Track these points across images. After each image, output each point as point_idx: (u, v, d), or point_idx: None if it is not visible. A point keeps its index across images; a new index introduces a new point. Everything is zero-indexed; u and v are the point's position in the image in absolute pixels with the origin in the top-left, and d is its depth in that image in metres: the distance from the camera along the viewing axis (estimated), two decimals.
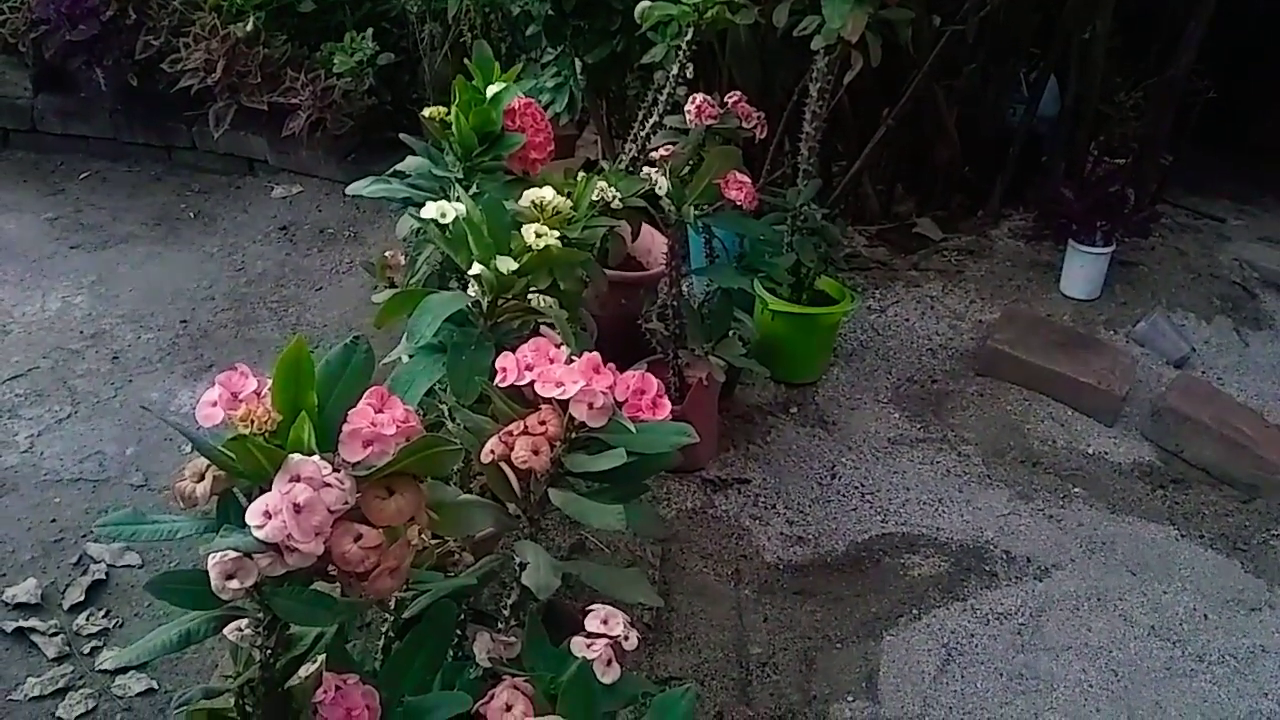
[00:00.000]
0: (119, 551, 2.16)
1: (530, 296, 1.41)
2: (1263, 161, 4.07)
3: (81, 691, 1.88)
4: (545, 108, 2.61)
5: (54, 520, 2.24)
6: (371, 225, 3.50)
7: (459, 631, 1.42)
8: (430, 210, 1.41)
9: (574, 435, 1.17)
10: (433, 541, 1.26)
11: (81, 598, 2.05)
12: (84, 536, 2.19)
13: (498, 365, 1.20)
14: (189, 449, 2.43)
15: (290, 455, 0.91)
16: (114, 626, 2.01)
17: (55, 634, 1.98)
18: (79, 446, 2.45)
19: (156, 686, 1.89)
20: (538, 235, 1.36)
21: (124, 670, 1.91)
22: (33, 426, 2.50)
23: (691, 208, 2.13)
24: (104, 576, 2.11)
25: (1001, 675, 2.07)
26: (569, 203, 1.50)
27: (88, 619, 2.02)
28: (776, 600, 2.20)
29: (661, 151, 2.22)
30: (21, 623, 1.99)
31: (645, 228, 2.37)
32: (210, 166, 3.79)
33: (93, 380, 2.68)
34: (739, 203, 2.12)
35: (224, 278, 3.18)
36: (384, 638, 1.34)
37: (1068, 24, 3.40)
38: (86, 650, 1.96)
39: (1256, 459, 2.61)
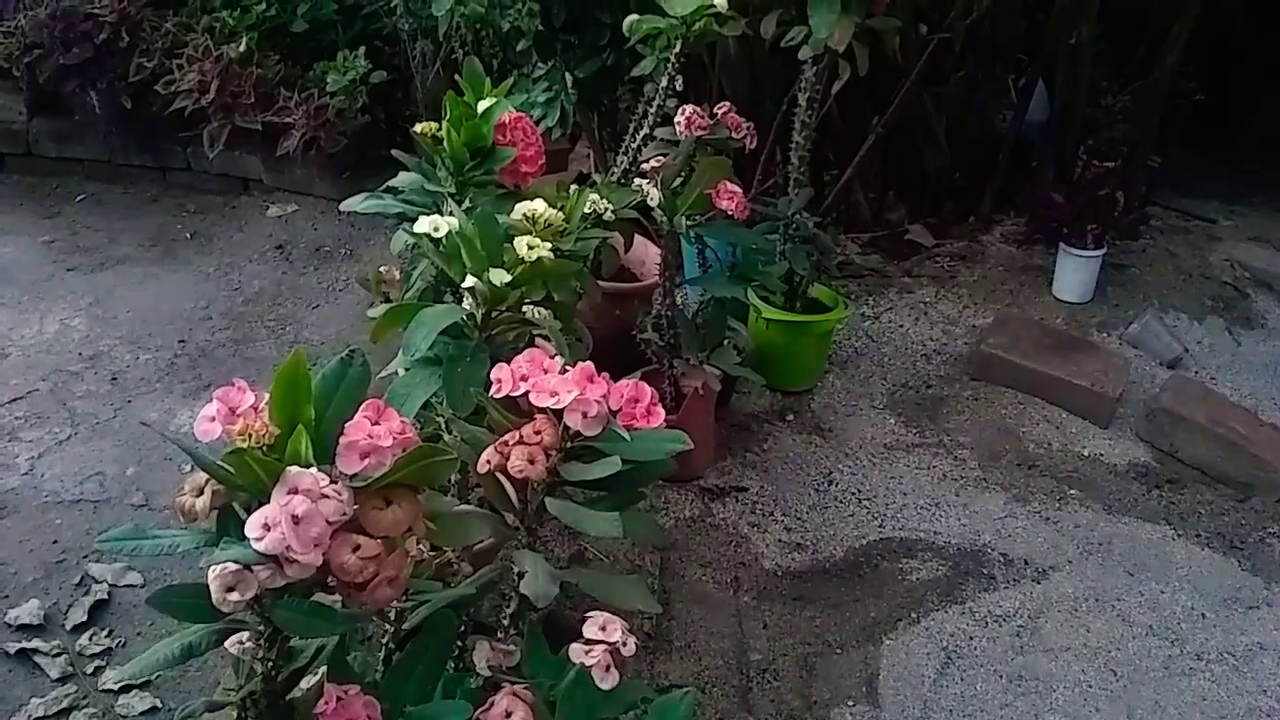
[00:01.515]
0: (121, 571, 2.17)
1: (524, 308, 1.43)
2: (1251, 162, 4.09)
3: (85, 711, 1.88)
4: (537, 122, 2.62)
5: (55, 541, 2.24)
6: (367, 242, 3.51)
7: (459, 642, 1.43)
8: (423, 225, 1.43)
9: (569, 444, 1.18)
10: (431, 553, 1.27)
11: (84, 618, 2.06)
12: (85, 557, 2.20)
13: (493, 376, 1.21)
14: (189, 468, 2.44)
15: (288, 468, 0.93)
16: (117, 646, 2.02)
17: (58, 654, 1.99)
18: (79, 468, 2.46)
19: (160, 705, 1.89)
20: (530, 248, 1.37)
21: (127, 689, 1.91)
22: (33, 449, 2.51)
23: (684, 218, 2.15)
24: (106, 596, 2.12)
25: (1001, 677, 2.07)
26: (561, 215, 1.51)
27: (90, 639, 2.02)
28: (776, 607, 2.21)
29: (653, 163, 2.23)
30: (24, 644, 1.99)
31: (638, 239, 2.38)
32: (205, 187, 3.81)
33: (92, 401, 2.69)
34: (731, 212, 2.13)
35: (221, 297, 3.20)
36: (384, 649, 1.35)
37: (1054, 30, 3.43)
38: (90, 670, 1.96)
39: (1251, 458, 2.62)
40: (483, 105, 1.68)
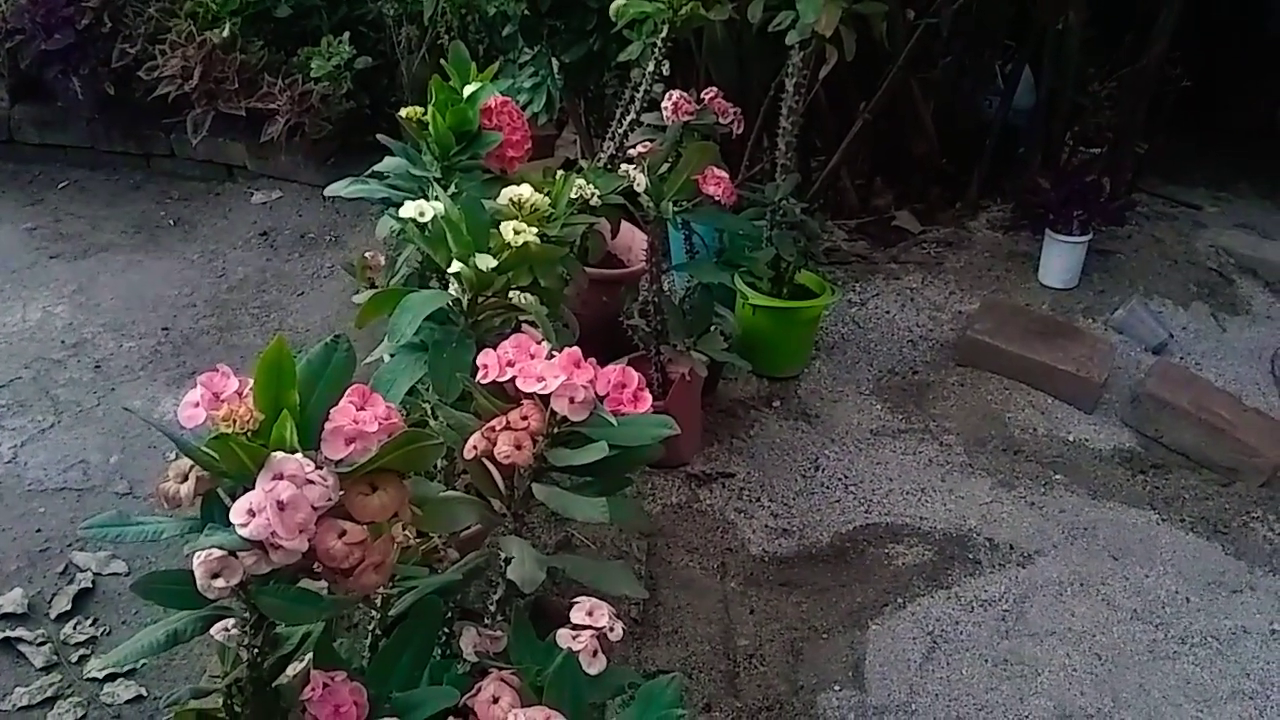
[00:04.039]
0: (105, 560, 2.16)
1: (511, 294, 1.42)
2: (1237, 148, 4.10)
3: (70, 700, 1.87)
4: (523, 108, 2.62)
5: (39, 530, 2.23)
6: (352, 229, 3.50)
7: (446, 628, 1.42)
8: (409, 209, 1.42)
9: (556, 430, 1.17)
10: (417, 539, 1.27)
11: (68, 607, 2.05)
12: (70, 546, 2.19)
13: (479, 362, 1.20)
14: (173, 455, 2.42)
15: (273, 453, 0.92)
16: (101, 635, 2.01)
17: (43, 643, 1.98)
18: (63, 456, 2.44)
19: (145, 694, 1.89)
20: (516, 232, 1.37)
21: (112, 678, 1.91)
22: (16, 437, 2.49)
23: (670, 204, 2.14)
24: (90, 585, 2.11)
25: (986, 661, 2.08)
26: (547, 200, 1.51)
27: (75, 628, 2.02)
28: (762, 592, 2.21)
29: (639, 149, 2.23)
30: (9, 633, 1.99)
31: (625, 225, 2.38)
32: (189, 174, 3.79)
33: (75, 389, 2.67)
34: (717, 198, 2.13)
35: (205, 284, 3.18)
36: (371, 635, 1.35)
37: (1041, 15, 3.43)
38: (74, 659, 1.96)
39: (1235, 442, 2.63)
40: (469, 90, 1.67)
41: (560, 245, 1.57)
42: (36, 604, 2.06)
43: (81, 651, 1.97)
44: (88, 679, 1.91)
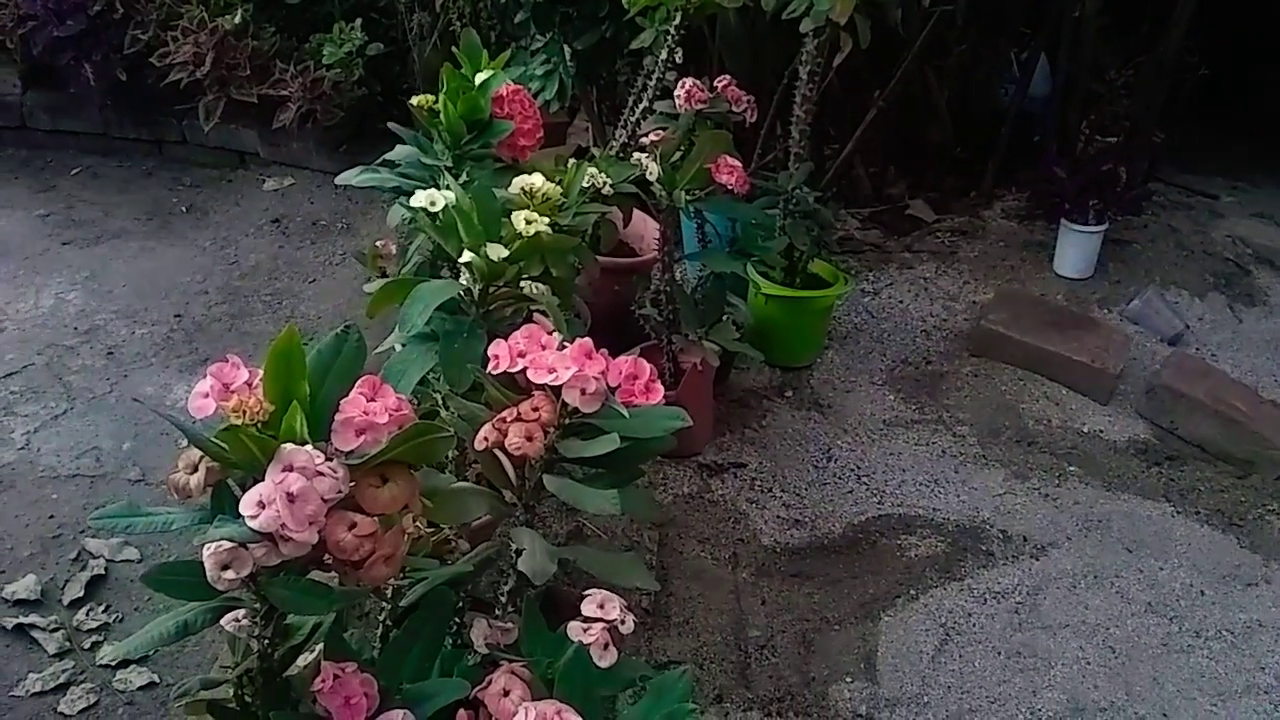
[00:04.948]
0: (118, 547, 2.16)
1: (522, 284, 1.41)
2: (1255, 138, 4.07)
3: (83, 686, 1.88)
4: (535, 95, 2.61)
5: (52, 516, 2.24)
6: (364, 216, 3.49)
7: (457, 620, 1.42)
8: (420, 199, 1.41)
9: (567, 421, 1.17)
10: (428, 530, 1.27)
11: (81, 593, 2.06)
12: (82, 532, 2.20)
13: (490, 353, 1.20)
14: (186, 443, 2.43)
15: (283, 445, 0.92)
16: (114, 621, 2.02)
17: (55, 630, 1.98)
18: (75, 442, 2.45)
19: (158, 680, 1.90)
20: (527, 222, 1.36)
21: (125, 665, 1.92)
22: (29, 423, 2.50)
23: (683, 192, 2.13)
24: (103, 572, 2.11)
25: (999, 654, 2.07)
26: (559, 189, 1.50)
27: (88, 614, 2.02)
28: (774, 583, 2.20)
29: (652, 137, 2.22)
30: (21, 619, 1.99)
31: (637, 213, 2.37)
32: (201, 160, 3.78)
33: (88, 376, 2.68)
34: (730, 187, 2.12)
35: (217, 271, 3.18)
36: (382, 626, 1.34)
37: (1058, 3, 3.40)
38: (87, 645, 1.96)
39: (1251, 434, 2.61)
40: (480, 77, 1.66)
41: (572, 234, 1.56)
42: (49, 590, 2.07)
43: (94, 638, 1.98)
44: (100, 666, 1.92)
